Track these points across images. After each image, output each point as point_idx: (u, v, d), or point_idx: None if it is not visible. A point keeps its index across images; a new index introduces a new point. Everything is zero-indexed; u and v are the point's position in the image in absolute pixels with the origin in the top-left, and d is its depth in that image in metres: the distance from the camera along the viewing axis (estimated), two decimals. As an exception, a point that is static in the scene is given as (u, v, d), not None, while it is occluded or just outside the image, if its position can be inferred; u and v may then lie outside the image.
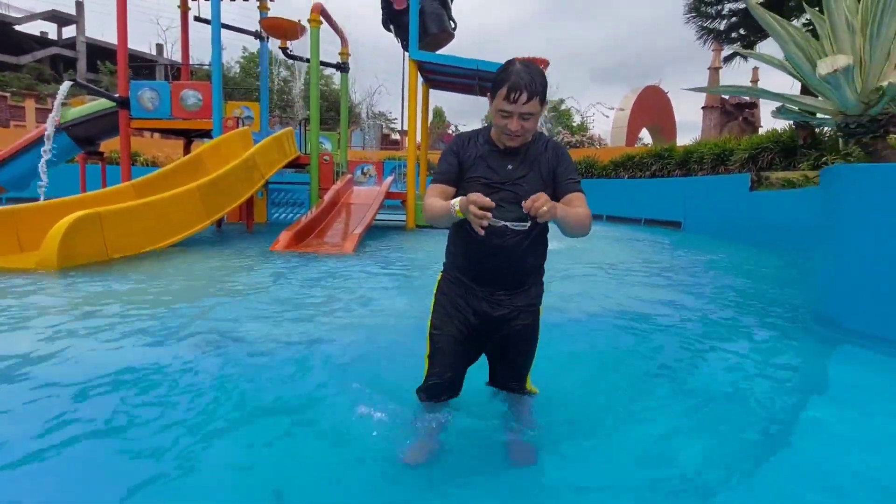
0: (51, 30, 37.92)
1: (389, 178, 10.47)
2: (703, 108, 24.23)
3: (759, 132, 19.29)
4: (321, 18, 9.49)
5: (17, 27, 34.62)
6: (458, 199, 1.44)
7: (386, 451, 1.60)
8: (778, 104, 3.67)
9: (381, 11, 10.14)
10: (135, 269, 4.75)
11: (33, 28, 36.83)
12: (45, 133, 7.83)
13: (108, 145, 10.31)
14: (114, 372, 2.20)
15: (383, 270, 5.06)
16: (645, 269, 5.55)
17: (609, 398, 2.10)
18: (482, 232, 1.33)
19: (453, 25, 10.10)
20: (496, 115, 1.51)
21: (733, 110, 24.31)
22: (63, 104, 8.70)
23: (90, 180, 10.41)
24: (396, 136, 34.30)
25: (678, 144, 16.35)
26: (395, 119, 38.02)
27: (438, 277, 1.77)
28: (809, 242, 3.68)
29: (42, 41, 36.50)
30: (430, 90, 12.08)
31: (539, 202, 1.32)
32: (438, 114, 31.54)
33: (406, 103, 9.61)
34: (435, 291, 1.74)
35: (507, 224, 1.39)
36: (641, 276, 5.13)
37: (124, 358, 2.39)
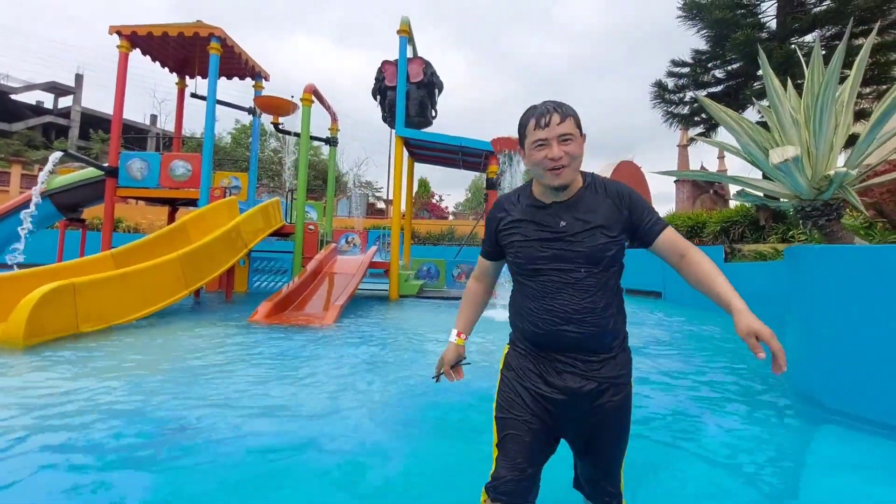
0: (47, 99, 39.07)
1: (373, 248, 10.57)
2: (675, 181, 25.52)
3: (730, 204, 20.27)
4: (313, 97, 10.03)
5: (13, 96, 35.59)
6: (454, 335, 1.61)
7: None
8: (738, 188, 3.92)
9: (373, 81, 10.74)
10: (102, 345, 4.59)
11: (30, 97, 37.94)
12: (32, 202, 7.82)
13: (91, 212, 10.32)
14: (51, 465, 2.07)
15: (362, 345, 4.97)
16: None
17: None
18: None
19: (434, 114, 10.76)
20: (532, 152, 1.33)
21: (703, 184, 25.60)
22: (50, 172, 8.81)
23: (69, 247, 10.30)
24: (382, 206, 35.04)
25: (653, 216, 17.01)
26: (381, 188, 39.06)
27: (505, 351, 1.50)
28: (782, 313, 3.80)
29: (37, 110, 37.44)
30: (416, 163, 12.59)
31: (781, 356, 1.14)
32: (423, 184, 32.50)
33: (392, 174, 10.00)
34: (501, 368, 1.48)
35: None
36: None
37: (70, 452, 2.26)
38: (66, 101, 38.03)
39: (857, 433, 2.69)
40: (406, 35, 9.74)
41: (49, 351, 4.19)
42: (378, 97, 10.83)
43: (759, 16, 10.58)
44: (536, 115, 1.32)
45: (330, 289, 8.04)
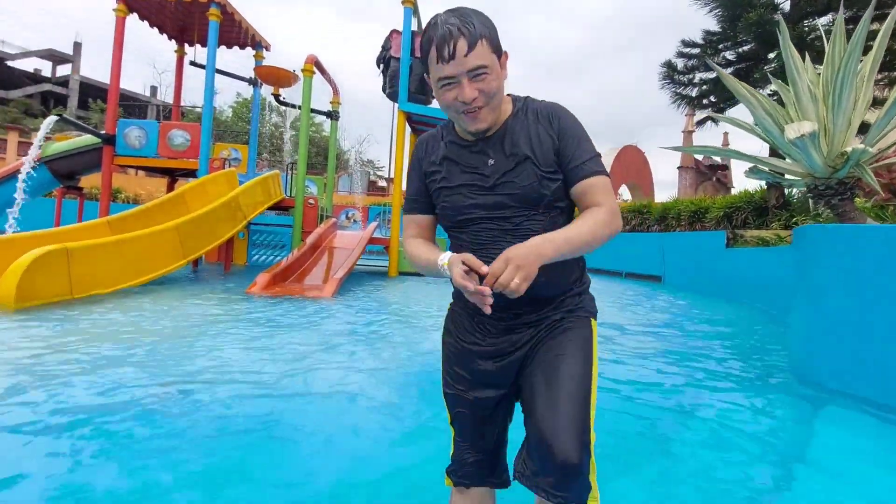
0: (45, 68, 38.43)
1: (373, 224, 10.49)
2: (678, 167, 25.32)
3: (732, 192, 20.14)
4: (314, 69, 9.82)
5: (9, 63, 34.98)
6: (449, 256, 1.05)
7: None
8: (750, 164, 3.82)
9: (380, 49, 10.48)
10: (96, 311, 4.54)
11: (27, 65, 37.31)
12: (23, 167, 7.70)
13: (89, 181, 10.20)
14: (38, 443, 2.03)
15: (360, 318, 4.93)
16: (630, 325, 5.54)
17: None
18: (488, 309, 0.96)
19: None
20: (440, 92, 1.05)
21: (707, 171, 25.45)
22: (47, 138, 8.66)
23: (66, 215, 10.21)
24: (383, 183, 34.81)
25: (656, 201, 16.89)
26: (383, 167, 38.78)
27: (448, 311, 1.29)
28: (783, 299, 3.75)
29: (35, 78, 36.85)
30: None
31: (502, 278, 0.91)
32: (425, 163, 32.16)
33: (393, 151, 9.87)
34: (442, 333, 1.27)
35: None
36: (628, 334, 5.11)
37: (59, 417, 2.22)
38: (64, 70, 37.38)
39: (861, 415, 2.66)
40: (410, 6, 9.48)
41: (40, 314, 4.14)
42: (381, 66, 10.56)
43: (774, -4, 10.31)
44: (437, 43, 0.99)
45: (329, 262, 7.99)
